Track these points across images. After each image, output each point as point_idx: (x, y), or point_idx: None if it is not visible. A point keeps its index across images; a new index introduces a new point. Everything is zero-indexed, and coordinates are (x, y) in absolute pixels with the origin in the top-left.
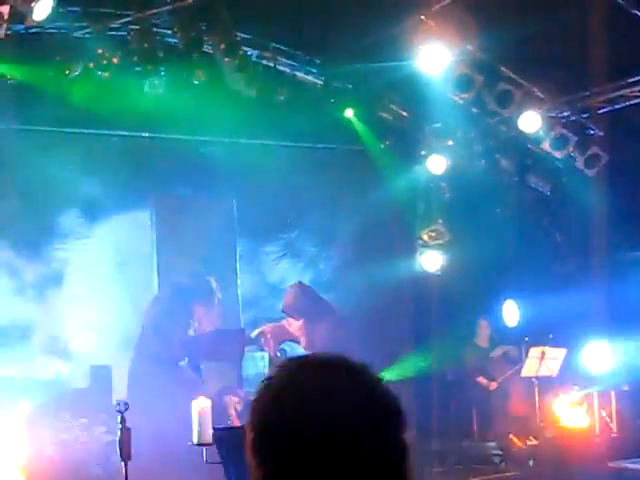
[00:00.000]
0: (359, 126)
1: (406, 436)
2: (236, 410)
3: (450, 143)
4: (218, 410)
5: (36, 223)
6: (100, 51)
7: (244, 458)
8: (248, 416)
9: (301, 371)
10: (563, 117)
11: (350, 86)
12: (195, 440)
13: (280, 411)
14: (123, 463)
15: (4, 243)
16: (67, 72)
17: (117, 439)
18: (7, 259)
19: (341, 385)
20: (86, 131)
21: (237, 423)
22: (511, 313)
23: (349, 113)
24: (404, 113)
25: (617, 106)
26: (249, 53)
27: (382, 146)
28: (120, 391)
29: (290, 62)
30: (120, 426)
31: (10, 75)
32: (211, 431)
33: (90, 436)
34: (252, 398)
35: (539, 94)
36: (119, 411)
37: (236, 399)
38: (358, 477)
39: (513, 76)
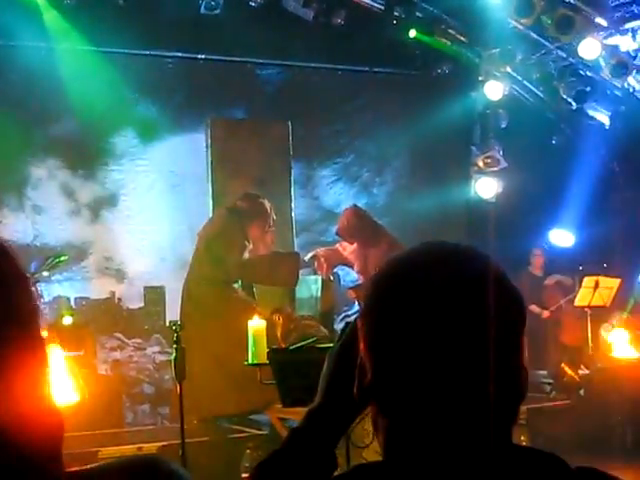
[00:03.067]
0: (417, 50)
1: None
2: (283, 329)
3: (508, 69)
4: (268, 329)
5: (91, 144)
6: None
7: (298, 378)
8: (366, 290)
9: (427, 251)
10: (624, 44)
11: (408, 9)
12: (250, 360)
13: (401, 286)
14: (178, 383)
15: (59, 164)
16: None
17: (172, 359)
18: (63, 180)
19: (470, 268)
20: (141, 52)
21: (282, 344)
22: (564, 240)
23: (412, 34)
24: (462, 38)
25: None
26: None
27: (439, 71)
28: (174, 312)
29: None
30: (175, 346)
31: None
32: (266, 351)
33: (143, 356)
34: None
35: (600, 20)
36: (174, 330)
37: (282, 319)
38: (471, 365)
39: (574, 1)
